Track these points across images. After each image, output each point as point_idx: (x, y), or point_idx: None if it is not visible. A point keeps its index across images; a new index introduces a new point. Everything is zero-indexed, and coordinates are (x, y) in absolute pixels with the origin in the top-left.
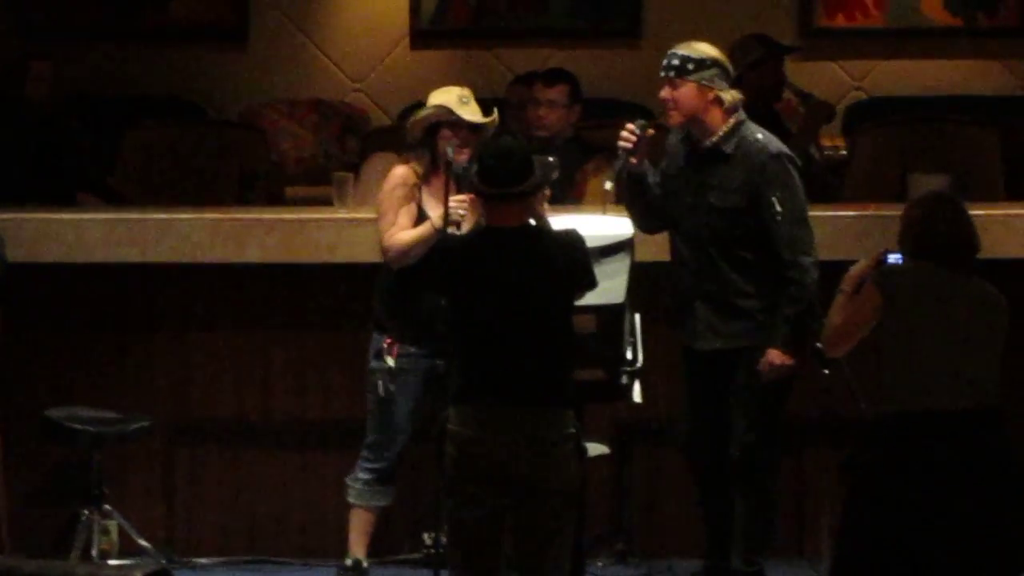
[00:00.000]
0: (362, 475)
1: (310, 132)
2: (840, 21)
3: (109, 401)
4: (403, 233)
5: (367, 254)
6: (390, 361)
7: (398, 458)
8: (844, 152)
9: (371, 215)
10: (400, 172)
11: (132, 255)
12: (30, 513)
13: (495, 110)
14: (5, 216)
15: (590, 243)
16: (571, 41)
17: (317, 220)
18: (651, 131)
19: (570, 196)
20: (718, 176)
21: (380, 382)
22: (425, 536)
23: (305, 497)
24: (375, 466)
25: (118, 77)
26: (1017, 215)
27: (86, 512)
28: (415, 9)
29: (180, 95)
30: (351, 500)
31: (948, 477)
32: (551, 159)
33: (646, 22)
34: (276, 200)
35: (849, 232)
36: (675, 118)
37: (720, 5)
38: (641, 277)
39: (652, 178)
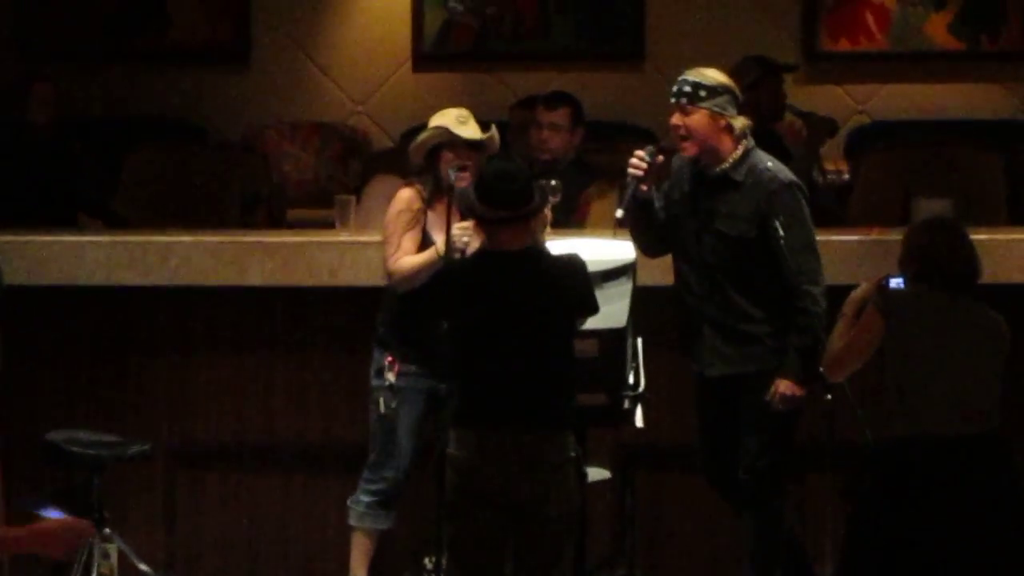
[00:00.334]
0: (363, 497)
1: (312, 154)
2: (844, 45)
3: (110, 424)
4: (407, 258)
5: (369, 277)
6: (391, 378)
7: (400, 482)
8: (847, 176)
9: (373, 238)
10: (405, 196)
11: (133, 278)
12: None
13: (493, 126)
14: (6, 238)
15: (592, 267)
16: (574, 64)
17: (319, 243)
18: (660, 157)
19: (572, 220)
20: (727, 204)
21: (382, 399)
22: (426, 560)
23: (306, 520)
24: (376, 487)
25: (120, 99)
26: (1020, 239)
27: None
28: (418, 32)
29: (182, 117)
30: (352, 523)
31: (949, 503)
32: (553, 182)
33: (649, 45)
34: (278, 223)
35: (852, 256)
36: (689, 150)
37: (723, 28)
38: (643, 301)
39: (657, 202)
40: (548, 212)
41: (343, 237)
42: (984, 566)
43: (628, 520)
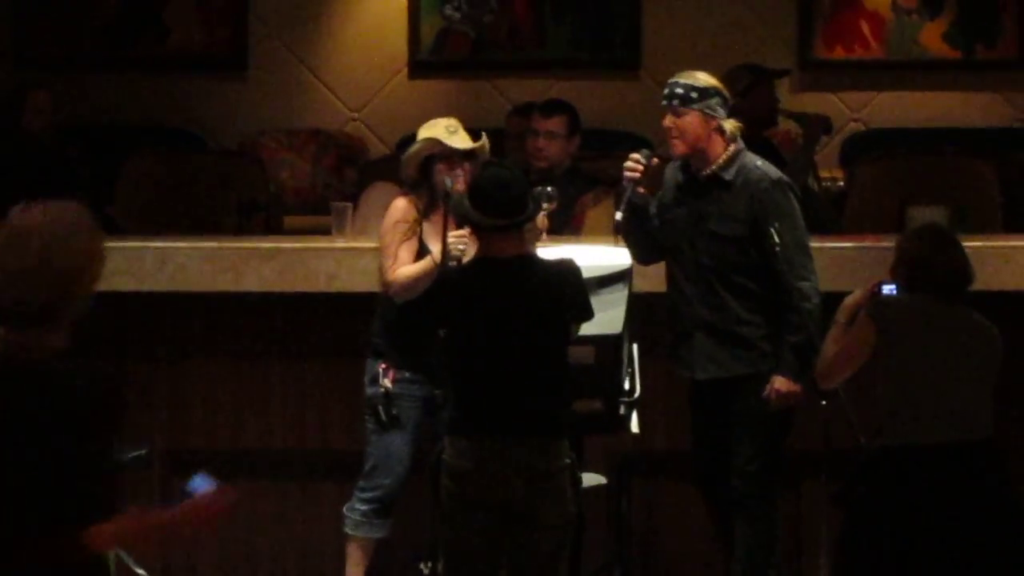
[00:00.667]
0: (359, 505)
1: (309, 162)
2: (839, 53)
3: None
4: (404, 268)
5: (366, 284)
6: (387, 384)
7: (396, 490)
8: (842, 184)
9: (370, 245)
10: (401, 205)
11: (129, 284)
12: None
13: (483, 135)
14: None
15: (588, 273)
16: (570, 72)
17: (316, 249)
18: (656, 160)
19: (569, 227)
20: (718, 204)
21: (380, 407)
22: (422, 566)
23: (303, 527)
24: (372, 495)
25: (116, 107)
26: (1015, 247)
27: None
28: (414, 40)
29: (178, 125)
30: (348, 531)
31: (942, 511)
32: (549, 189)
33: (645, 53)
34: (274, 230)
35: (848, 264)
36: (679, 148)
37: (719, 37)
38: (639, 308)
39: (652, 208)
40: (545, 220)
41: (340, 244)
42: (978, 574)
43: (623, 526)
